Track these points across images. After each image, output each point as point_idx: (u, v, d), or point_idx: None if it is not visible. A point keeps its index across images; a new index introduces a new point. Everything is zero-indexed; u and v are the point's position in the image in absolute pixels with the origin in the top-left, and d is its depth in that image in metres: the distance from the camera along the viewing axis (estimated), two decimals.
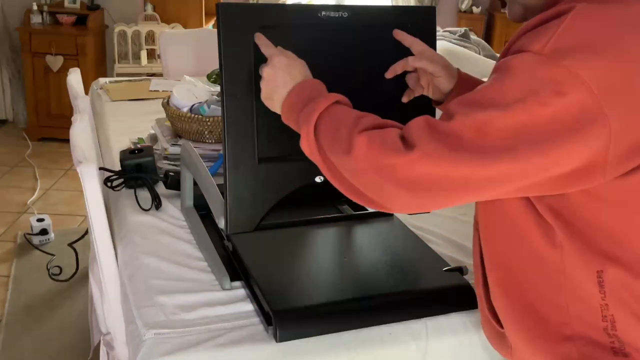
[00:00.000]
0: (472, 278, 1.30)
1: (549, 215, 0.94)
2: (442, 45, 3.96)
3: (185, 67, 2.89)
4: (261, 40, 1.11)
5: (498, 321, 1.08)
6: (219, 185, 1.28)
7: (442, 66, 1.19)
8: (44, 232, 3.03)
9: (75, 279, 2.68)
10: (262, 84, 1.08)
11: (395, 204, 0.92)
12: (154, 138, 1.97)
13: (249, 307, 1.22)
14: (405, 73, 1.22)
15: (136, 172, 1.63)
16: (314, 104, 0.99)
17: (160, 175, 1.68)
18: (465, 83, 1.20)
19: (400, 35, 1.21)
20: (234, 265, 1.31)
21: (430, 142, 0.85)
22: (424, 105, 1.25)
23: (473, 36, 4.31)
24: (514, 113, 0.82)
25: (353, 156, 0.90)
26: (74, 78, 2.11)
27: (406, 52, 1.21)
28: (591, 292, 0.94)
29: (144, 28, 4.35)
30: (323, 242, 1.44)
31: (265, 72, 1.07)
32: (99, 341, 1.54)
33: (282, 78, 1.06)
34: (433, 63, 1.19)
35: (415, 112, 1.24)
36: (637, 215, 0.89)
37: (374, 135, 0.90)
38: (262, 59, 1.12)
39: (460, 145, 0.84)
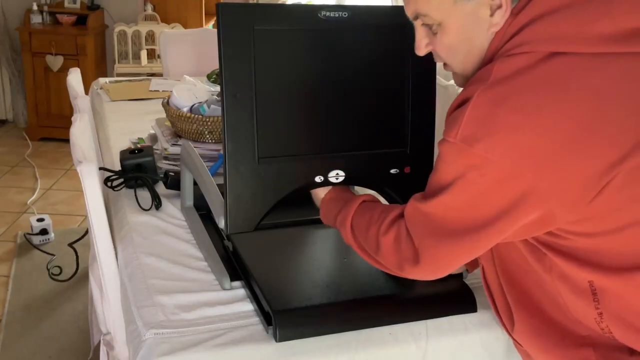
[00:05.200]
0: (470, 279, 1.30)
1: (536, 242, 1.01)
2: None
3: (185, 67, 2.89)
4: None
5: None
6: (219, 185, 1.28)
7: None
8: (44, 232, 3.03)
9: (75, 279, 2.67)
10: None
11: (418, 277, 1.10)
12: (154, 138, 1.97)
13: (249, 307, 1.22)
14: (402, 79, 1.23)
15: (136, 172, 1.63)
16: (347, 208, 1.17)
17: (160, 175, 1.68)
18: None
19: None
20: (234, 265, 1.31)
21: (425, 237, 1.01)
22: (423, 107, 1.25)
23: None
24: (458, 192, 0.95)
25: (380, 256, 1.10)
26: (74, 78, 2.11)
27: (407, 52, 1.21)
28: (587, 308, 0.99)
29: (144, 28, 4.34)
30: (323, 243, 1.44)
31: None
32: (99, 341, 1.54)
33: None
34: None
35: (414, 111, 1.24)
36: (614, 236, 0.95)
37: (392, 241, 1.06)
38: (262, 59, 1.12)
39: (444, 227, 0.99)
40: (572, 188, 0.90)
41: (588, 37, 0.91)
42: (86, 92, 2.36)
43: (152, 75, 4.01)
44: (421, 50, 1.06)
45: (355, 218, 1.15)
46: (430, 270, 1.04)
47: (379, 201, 1.19)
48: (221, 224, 1.21)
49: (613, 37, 0.91)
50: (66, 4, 4.36)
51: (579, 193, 0.90)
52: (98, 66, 4.41)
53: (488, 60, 1.00)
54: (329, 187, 1.26)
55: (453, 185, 0.96)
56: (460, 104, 0.96)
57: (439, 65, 1.28)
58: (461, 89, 1.01)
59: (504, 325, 1.15)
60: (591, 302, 0.98)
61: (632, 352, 0.99)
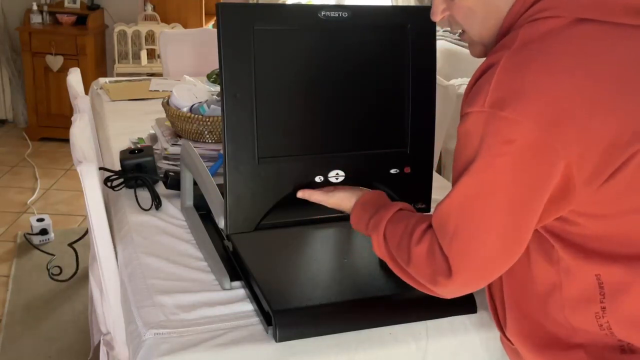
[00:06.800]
0: None
1: (545, 232, 0.99)
2: (442, 45, 3.96)
3: (185, 67, 2.89)
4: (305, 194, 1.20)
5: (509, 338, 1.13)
6: (219, 185, 1.28)
7: None
8: (44, 232, 3.03)
9: (75, 279, 2.67)
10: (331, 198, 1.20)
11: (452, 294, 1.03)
12: (154, 138, 1.97)
13: (249, 307, 1.22)
14: (402, 79, 1.23)
15: (136, 172, 1.63)
16: (381, 213, 1.09)
17: (160, 175, 1.68)
18: None
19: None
20: (234, 265, 1.31)
21: (452, 239, 0.94)
22: (423, 107, 1.25)
23: None
24: (480, 170, 0.91)
25: (412, 268, 1.02)
26: (74, 78, 2.11)
27: (407, 52, 1.21)
28: (588, 304, 0.99)
29: (143, 28, 4.34)
30: (323, 243, 1.44)
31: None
32: (99, 341, 1.54)
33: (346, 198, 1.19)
34: None
35: (414, 111, 1.24)
36: (624, 220, 0.94)
37: (425, 252, 0.99)
38: (262, 59, 1.12)
39: (470, 220, 0.93)
40: (596, 155, 0.89)
41: (615, 7, 0.92)
42: (86, 92, 2.36)
43: (152, 75, 4.01)
44: (437, 15, 1.05)
45: (389, 225, 1.07)
46: (463, 280, 0.95)
47: (416, 211, 1.13)
48: (221, 224, 1.21)
49: (638, 10, 0.92)
50: (66, 4, 4.36)
51: (602, 161, 0.90)
52: (98, 66, 4.41)
53: (506, 27, 0.99)
54: (332, 194, 1.20)
55: (477, 164, 0.91)
56: (484, 72, 0.95)
57: (439, 66, 1.28)
58: (461, 86, 1.01)
59: (497, 322, 1.14)
60: (596, 297, 0.97)
61: (622, 350, 0.99)
